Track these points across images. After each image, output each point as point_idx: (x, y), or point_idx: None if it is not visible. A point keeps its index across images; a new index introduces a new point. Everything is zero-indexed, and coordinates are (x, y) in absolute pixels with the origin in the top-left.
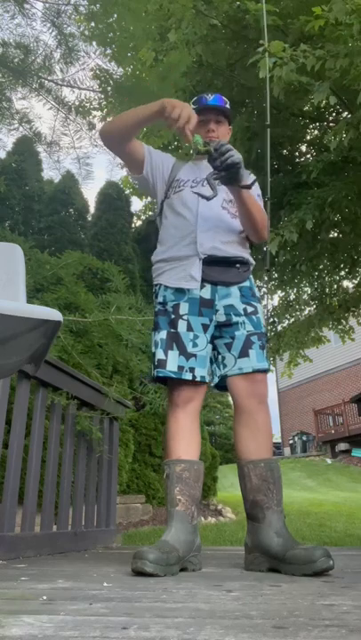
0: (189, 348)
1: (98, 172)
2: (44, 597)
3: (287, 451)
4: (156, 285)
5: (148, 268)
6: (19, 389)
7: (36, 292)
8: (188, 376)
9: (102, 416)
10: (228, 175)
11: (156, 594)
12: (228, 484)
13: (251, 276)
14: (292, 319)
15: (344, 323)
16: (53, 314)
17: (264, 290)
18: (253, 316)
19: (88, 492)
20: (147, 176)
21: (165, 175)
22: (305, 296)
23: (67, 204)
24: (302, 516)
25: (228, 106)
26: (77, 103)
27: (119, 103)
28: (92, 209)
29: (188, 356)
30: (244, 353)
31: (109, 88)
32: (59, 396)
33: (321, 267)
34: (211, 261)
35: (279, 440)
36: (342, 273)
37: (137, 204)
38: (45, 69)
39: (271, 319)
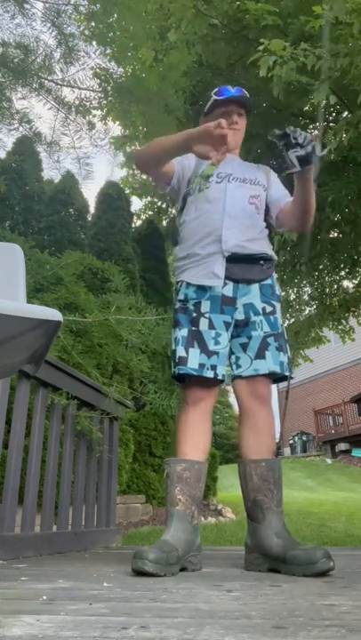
0: (211, 346)
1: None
2: (44, 597)
3: (287, 451)
4: (179, 282)
5: (148, 268)
6: (19, 389)
7: (36, 292)
8: (210, 374)
9: (102, 416)
10: (308, 152)
11: (156, 594)
12: (229, 484)
13: (273, 273)
14: (293, 319)
15: (344, 323)
16: (53, 314)
17: None
18: (271, 317)
19: (88, 492)
20: (174, 187)
21: (189, 175)
22: (305, 296)
23: (67, 204)
24: (302, 516)
25: (249, 97)
26: (77, 103)
27: (119, 103)
28: (92, 209)
29: (209, 353)
30: (260, 354)
31: (109, 88)
32: (59, 396)
33: (321, 267)
34: (234, 259)
35: (279, 440)
36: (342, 273)
37: (137, 204)
38: (45, 69)
39: None
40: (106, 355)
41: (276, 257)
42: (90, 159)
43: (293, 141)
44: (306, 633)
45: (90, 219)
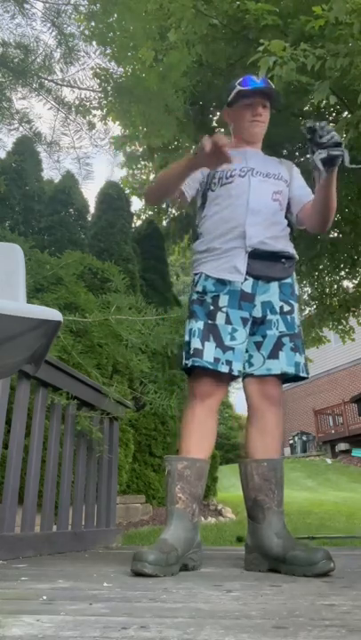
0: (227, 341)
1: (98, 172)
2: (44, 597)
3: (287, 451)
4: (197, 274)
5: (148, 268)
6: (19, 389)
7: (36, 292)
8: (225, 369)
9: (102, 416)
10: (333, 155)
11: (155, 594)
12: (229, 484)
13: (294, 273)
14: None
15: (344, 323)
16: (53, 314)
17: None
18: (288, 316)
19: (88, 491)
20: (198, 191)
21: (204, 173)
22: (305, 296)
23: (67, 204)
24: (302, 516)
25: (274, 89)
26: (77, 103)
27: (119, 103)
28: (92, 209)
29: (225, 348)
30: (273, 354)
31: (109, 88)
32: (59, 396)
33: (321, 267)
34: (256, 255)
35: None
36: (342, 273)
37: (137, 204)
38: (45, 69)
39: None
40: (106, 355)
41: (297, 256)
42: (90, 159)
43: (318, 140)
44: (306, 633)
45: (90, 219)
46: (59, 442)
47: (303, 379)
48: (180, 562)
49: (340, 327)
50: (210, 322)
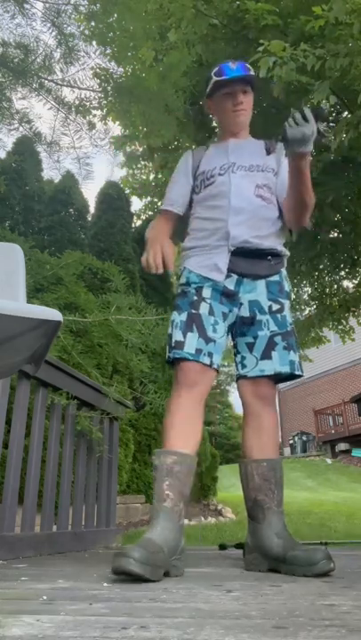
0: (209, 333)
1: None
2: (44, 597)
3: (287, 451)
4: (182, 269)
5: None
6: (19, 389)
7: (36, 292)
8: (207, 360)
9: (102, 416)
10: (304, 133)
11: (155, 594)
12: (229, 484)
13: (283, 270)
14: (293, 319)
15: (344, 323)
16: (53, 314)
17: None
18: (278, 315)
19: (88, 491)
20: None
21: (190, 178)
22: (305, 296)
23: (67, 204)
24: (302, 516)
25: (252, 73)
26: (77, 103)
27: (119, 103)
28: (92, 209)
29: (207, 339)
30: (266, 355)
31: (109, 88)
32: (59, 396)
33: (321, 267)
34: (240, 252)
35: (279, 440)
36: (342, 273)
37: (137, 204)
38: (45, 69)
39: None
40: (106, 355)
41: (287, 252)
42: (90, 159)
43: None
44: (306, 633)
45: (90, 219)
46: (59, 442)
47: (299, 376)
48: (166, 567)
49: (340, 327)
50: (193, 311)
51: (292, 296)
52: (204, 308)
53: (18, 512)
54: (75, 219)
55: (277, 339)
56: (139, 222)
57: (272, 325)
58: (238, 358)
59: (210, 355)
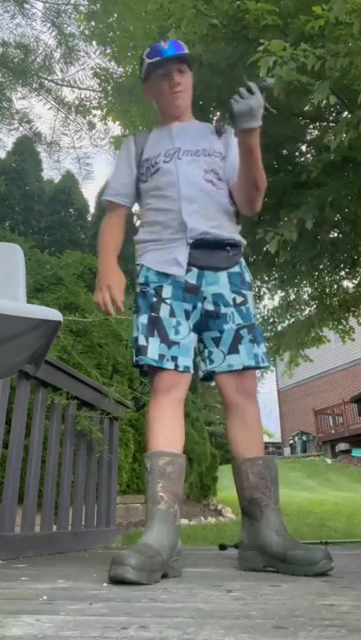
0: (171, 336)
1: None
2: (44, 597)
3: (287, 451)
4: (138, 265)
5: None
6: (19, 389)
7: (36, 292)
8: (170, 365)
9: (102, 416)
10: (250, 106)
11: (155, 594)
12: (229, 484)
13: (242, 260)
14: (293, 319)
15: (344, 323)
16: (53, 314)
17: (264, 290)
18: (243, 307)
19: (88, 491)
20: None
21: (134, 167)
22: (305, 296)
23: (67, 204)
24: (302, 516)
25: (187, 51)
26: (77, 103)
27: (119, 103)
28: (92, 209)
29: (169, 343)
30: (233, 349)
31: (109, 87)
32: (59, 396)
33: (321, 267)
34: (199, 245)
35: (279, 440)
36: (342, 273)
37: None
38: (45, 69)
39: (271, 319)
40: (106, 355)
41: (244, 241)
42: (90, 159)
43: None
44: (306, 633)
45: (90, 219)
46: (59, 442)
47: (266, 367)
48: (163, 569)
49: (340, 327)
50: (153, 314)
51: (292, 296)
52: (164, 311)
53: (18, 512)
54: (75, 219)
55: (243, 332)
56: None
57: (237, 318)
58: (206, 353)
59: (174, 359)
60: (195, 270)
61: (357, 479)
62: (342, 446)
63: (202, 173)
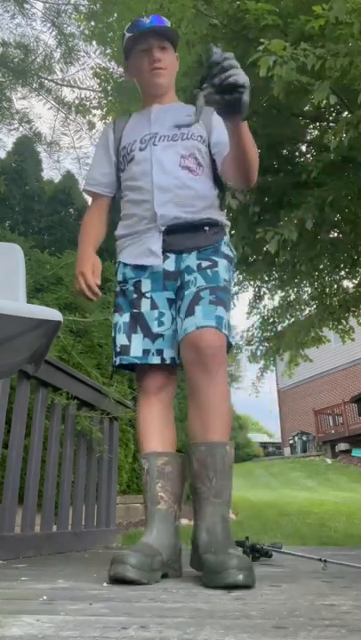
0: (155, 329)
1: None
2: (44, 597)
3: (287, 451)
4: (117, 263)
5: None
6: (19, 389)
7: (36, 292)
8: (156, 360)
9: (102, 416)
10: (226, 100)
11: (155, 594)
12: None
13: (225, 238)
14: (293, 319)
15: (344, 323)
16: (53, 314)
17: (264, 290)
18: (208, 270)
19: (88, 491)
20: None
21: (112, 154)
22: (305, 296)
23: (67, 204)
24: (302, 516)
25: (169, 26)
26: (77, 103)
27: (119, 103)
28: None
29: (153, 337)
30: (190, 311)
31: (109, 87)
32: (59, 396)
33: (321, 267)
34: (173, 229)
35: (279, 440)
36: (342, 273)
37: None
38: (45, 69)
39: (271, 319)
40: (106, 355)
41: (227, 222)
42: (90, 159)
43: (212, 75)
44: (306, 633)
45: None
46: (59, 442)
47: (230, 346)
48: (164, 569)
49: (340, 327)
50: (135, 311)
51: (292, 296)
52: (145, 305)
53: (18, 512)
54: (75, 219)
55: (204, 293)
56: None
57: (200, 281)
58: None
59: (159, 352)
60: (172, 256)
61: (357, 479)
62: (342, 446)
63: (178, 160)
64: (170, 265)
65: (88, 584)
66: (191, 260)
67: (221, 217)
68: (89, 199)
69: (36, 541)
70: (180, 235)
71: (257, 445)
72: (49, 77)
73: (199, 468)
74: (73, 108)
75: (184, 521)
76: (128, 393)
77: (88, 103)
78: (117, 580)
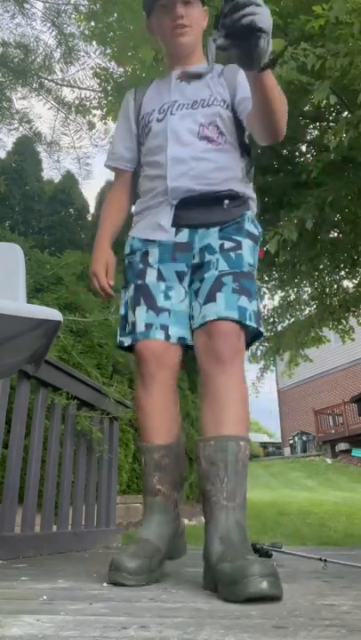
0: (160, 302)
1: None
2: (44, 597)
3: (287, 451)
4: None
5: None
6: (19, 389)
7: (36, 292)
8: (160, 335)
9: (102, 416)
10: (239, 45)
11: (155, 593)
12: None
13: (247, 212)
14: (293, 319)
15: (344, 323)
16: (53, 314)
17: (264, 290)
18: (232, 253)
19: (88, 491)
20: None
21: (133, 124)
22: (305, 296)
23: (67, 204)
24: (302, 516)
25: None
26: (77, 103)
27: (119, 102)
28: (92, 209)
29: (158, 310)
30: (210, 297)
31: (109, 87)
32: (59, 396)
33: (321, 267)
34: (187, 202)
35: (279, 440)
36: (342, 273)
37: None
38: (45, 69)
39: (271, 319)
40: (106, 355)
41: (252, 194)
42: (90, 159)
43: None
44: (306, 633)
45: (90, 219)
46: (59, 442)
47: (259, 335)
48: (164, 562)
49: (340, 327)
50: (139, 282)
51: (292, 296)
52: (150, 275)
53: (18, 512)
54: (75, 219)
55: (227, 279)
56: None
57: (222, 264)
58: (190, 311)
59: (164, 327)
60: (186, 230)
61: (357, 479)
62: (342, 446)
63: (196, 129)
64: (183, 238)
65: (88, 584)
66: (213, 238)
67: (245, 189)
68: (89, 199)
69: (36, 541)
70: (194, 209)
71: (257, 445)
72: (49, 77)
73: (208, 467)
74: (73, 108)
75: (183, 521)
76: (128, 393)
77: (88, 103)
78: (115, 585)
